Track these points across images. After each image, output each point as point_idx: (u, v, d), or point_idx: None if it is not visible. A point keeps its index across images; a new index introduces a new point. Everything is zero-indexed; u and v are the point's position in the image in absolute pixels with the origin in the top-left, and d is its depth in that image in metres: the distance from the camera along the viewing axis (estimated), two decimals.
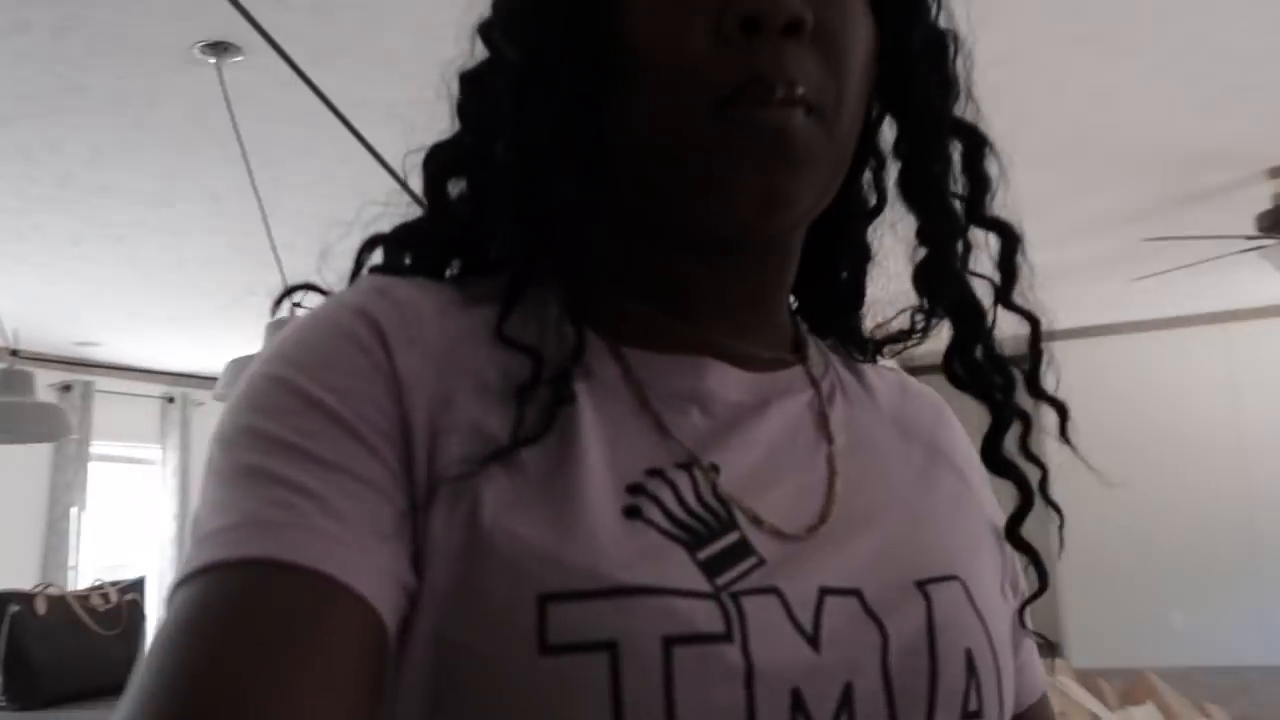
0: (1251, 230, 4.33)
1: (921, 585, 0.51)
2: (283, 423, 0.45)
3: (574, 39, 0.51)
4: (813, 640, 0.46)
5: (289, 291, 0.59)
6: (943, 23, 0.59)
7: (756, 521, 0.50)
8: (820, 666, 0.46)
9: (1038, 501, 0.60)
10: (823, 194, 0.53)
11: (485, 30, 0.57)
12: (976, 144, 0.59)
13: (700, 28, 0.48)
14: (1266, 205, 4.20)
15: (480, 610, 0.43)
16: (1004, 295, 0.59)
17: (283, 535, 0.42)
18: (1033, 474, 0.59)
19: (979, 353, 0.59)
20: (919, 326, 0.64)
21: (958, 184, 0.59)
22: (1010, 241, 0.59)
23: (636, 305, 0.55)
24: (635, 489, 0.48)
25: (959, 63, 0.59)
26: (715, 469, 0.51)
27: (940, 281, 0.60)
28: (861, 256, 0.66)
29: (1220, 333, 6.93)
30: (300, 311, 0.55)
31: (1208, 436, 6.91)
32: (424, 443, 0.47)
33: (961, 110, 0.59)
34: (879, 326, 0.67)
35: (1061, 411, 0.60)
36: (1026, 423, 0.60)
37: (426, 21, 2.42)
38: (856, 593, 0.49)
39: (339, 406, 0.46)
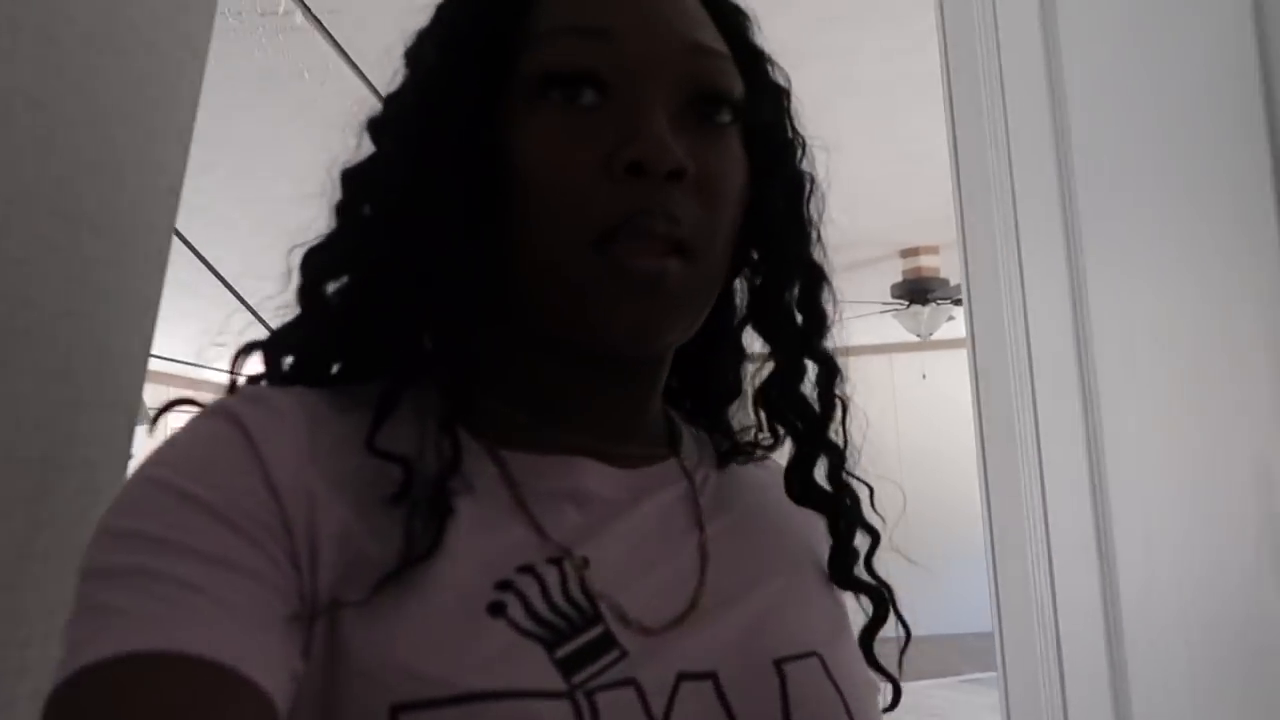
0: (888, 297, 5.53)
1: (779, 664, 0.53)
2: (159, 520, 0.44)
3: (463, 154, 0.52)
4: None
5: (171, 405, 0.57)
6: (804, 165, 0.62)
7: (622, 615, 0.50)
8: None
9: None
10: (693, 322, 0.55)
11: (374, 128, 0.57)
12: (819, 282, 0.62)
13: (588, 165, 0.50)
14: (898, 279, 5.39)
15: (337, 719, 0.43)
16: (821, 426, 0.62)
17: (169, 627, 0.40)
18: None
19: (818, 472, 0.63)
20: (764, 442, 0.65)
21: (798, 317, 0.62)
22: (832, 376, 0.62)
23: (516, 410, 0.56)
24: (504, 585, 0.48)
25: (813, 204, 0.62)
26: (585, 562, 0.51)
27: (784, 401, 0.63)
28: (737, 355, 0.68)
29: (886, 361, 8.23)
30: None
31: (876, 448, 8.01)
32: (306, 547, 0.46)
33: (811, 249, 0.62)
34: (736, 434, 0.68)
35: (873, 538, 0.63)
36: (875, 537, 0.63)
37: None
38: (712, 676, 0.50)
39: (216, 501, 0.45)
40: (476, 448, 0.54)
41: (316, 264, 0.56)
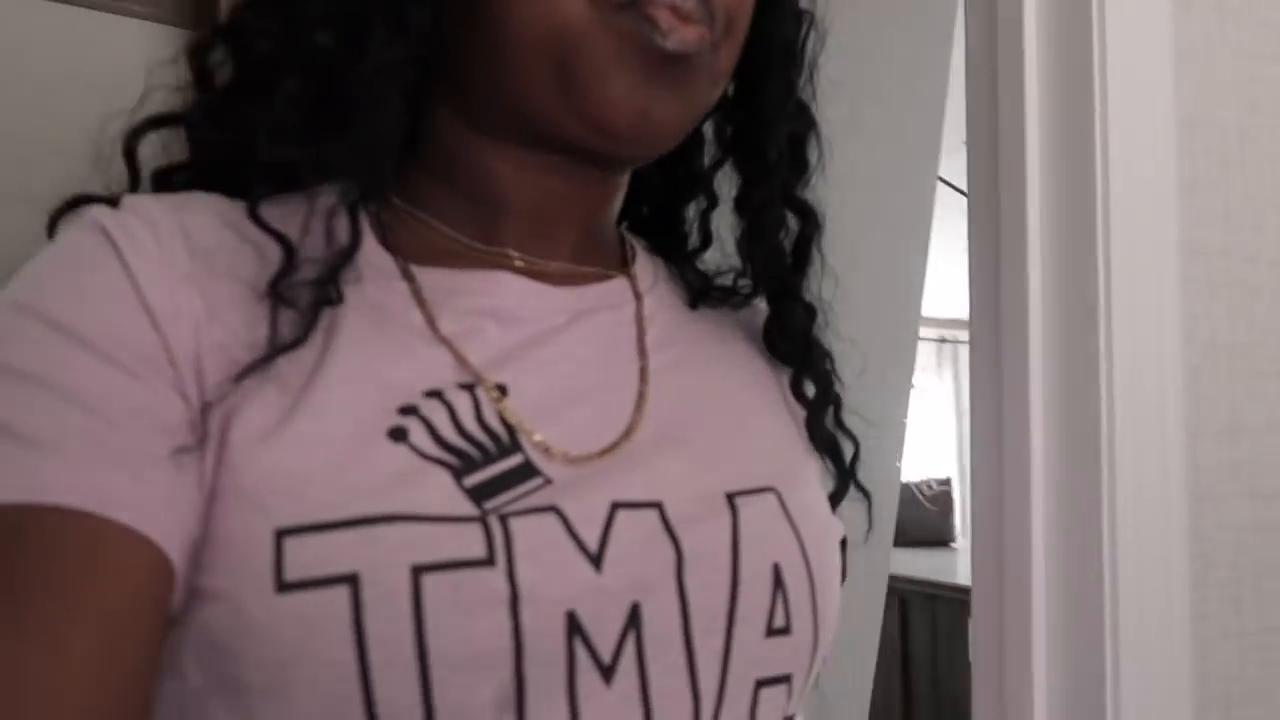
0: None
1: (731, 498, 0.49)
2: (27, 352, 0.40)
3: None
4: (595, 559, 0.43)
5: (65, 207, 0.49)
6: (804, 3, 0.60)
7: (546, 447, 0.46)
8: (601, 587, 0.43)
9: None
10: (694, 121, 0.52)
11: None
12: (805, 127, 0.60)
13: None
14: None
15: (222, 552, 0.40)
16: (797, 276, 0.60)
17: (39, 476, 0.37)
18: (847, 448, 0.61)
19: (793, 326, 0.60)
20: (743, 289, 0.62)
21: (779, 153, 0.59)
22: (811, 227, 0.60)
23: (434, 223, 0.52)
24: (407, 410, 0.44)
25: (809, 42, 0.60)
26: (502, 389, 0.47)
27: (758, 249, 0.59)
28: (710, 202, 0.65)
29: None
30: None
31: None
32: (191, 370, 0.42)
33: (802, 90, 0.60)
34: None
35: (837, 402, 0.61)
36: (837, 401, 0.61)
37: None
38: (657, 505, 0.47)
39: (88, 329, 0.41)
40: (386, 261, 0.49)
41: (245, 18, 0.50)
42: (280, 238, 0.45)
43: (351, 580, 0.39)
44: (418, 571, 0.39)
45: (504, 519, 0.42)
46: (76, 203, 0.48)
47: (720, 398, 0.55)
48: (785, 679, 0.49)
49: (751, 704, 0.47)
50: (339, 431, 0.42)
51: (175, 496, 0.40)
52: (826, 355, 0.61)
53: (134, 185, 0.50)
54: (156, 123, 0.50)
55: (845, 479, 0.60)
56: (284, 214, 0.46)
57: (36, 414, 0.38)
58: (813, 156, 0.60)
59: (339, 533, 0.39)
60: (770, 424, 0.57)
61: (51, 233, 0.49)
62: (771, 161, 0.58)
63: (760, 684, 0.47)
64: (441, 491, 0.42)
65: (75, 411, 0.39)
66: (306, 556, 0.39)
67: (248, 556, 0.39)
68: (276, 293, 0.44)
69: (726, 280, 0.62)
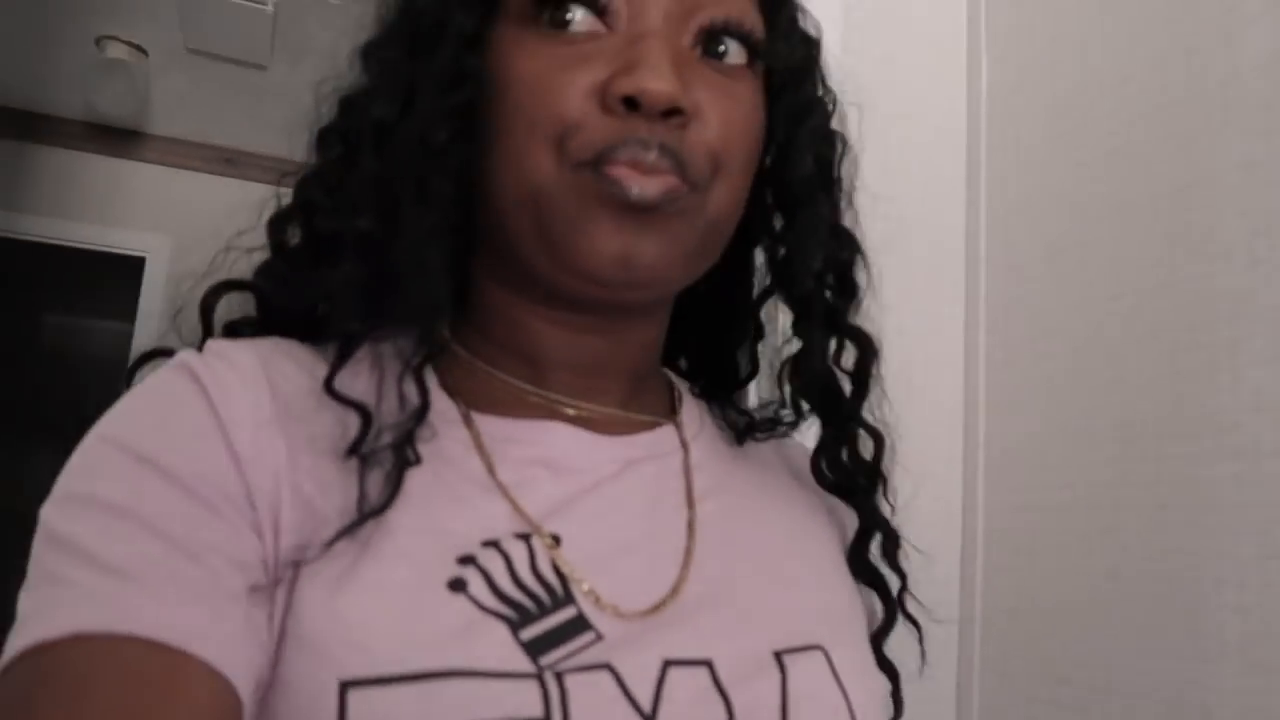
0: None
1: (779, 656, 0.49)
2: (116, 486, 0.41)
3: (450, 83, 0.50)
4: (649, 718, 0.43)
5: (143, 359, 0.52)
6: (835, 125, 0.60)
7: (597, 598, 0.46)
8: None
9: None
10: (691, 266, 0.52)
11: (365, 54, 0.54)
12: (851, 251, 0.59)
13: (583, 92, 0.48)
14: None
15: (287, 699, 0.40)
16: (855, 404, 0.59)
17: (119, 606, 0.38)
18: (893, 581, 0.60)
19: (844, 454, 0.60)
20: (786, 419, 0.62)
21: (822, 283, 0.59)
22: (868, 353, 0.59)
23: (490, 370, 0.54)
24: (466, 560, 0.45)
25: (844, 166, 0.60)
26: (556, 540, 0.48)
27: (809, 377, 0.59)
28: (755, 333, 0.65)
29: None
30: None
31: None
32: (269, 513, 0.43)
33: (841, 215, 0.60)
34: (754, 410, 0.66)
35: (892, 539, 0.61)
36: (886, 531, 0.60)
37: None
38: (707, 664, 0.47)
39: (174, 465, 0.42)
40: (449, 408, 0.51)
41: (304, 195, 0.53)
42: (358, 407, 0.46)
43: None
44: None
45: (559, 676, 0.42)
46: (152, 355, 0.51)
47: (768, 549, 0.56)
48: None
49: None
50: (402, 582, 0.43)
51: (248, 633, 0.41)
52: (875, 481, 0.60)
53: (205, 339, 0.52)
54: (232, 286, 0.53)
55: (892, 612, 0.60)
56: (353, 373, 0.48)
57: (121, 544, 0.40)
58: (861, 280, 0.60)
59: (402, 687, 0.40)
60: (818, 574, 0.57)
61: (129, 382, 0.50)
62: (808, 288, 0.58)
63: None
64: (500, 646, 0.42)
65: (158, 544, 0.40)
66: (370, 710, 0.39)
67: (312, 705, 0.40)
68: (360, 456, 0.45)
69: (769, 412, 0.63)
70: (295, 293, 0.52)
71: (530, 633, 0.44)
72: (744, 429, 0.62)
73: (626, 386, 0.57)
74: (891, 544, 0.60)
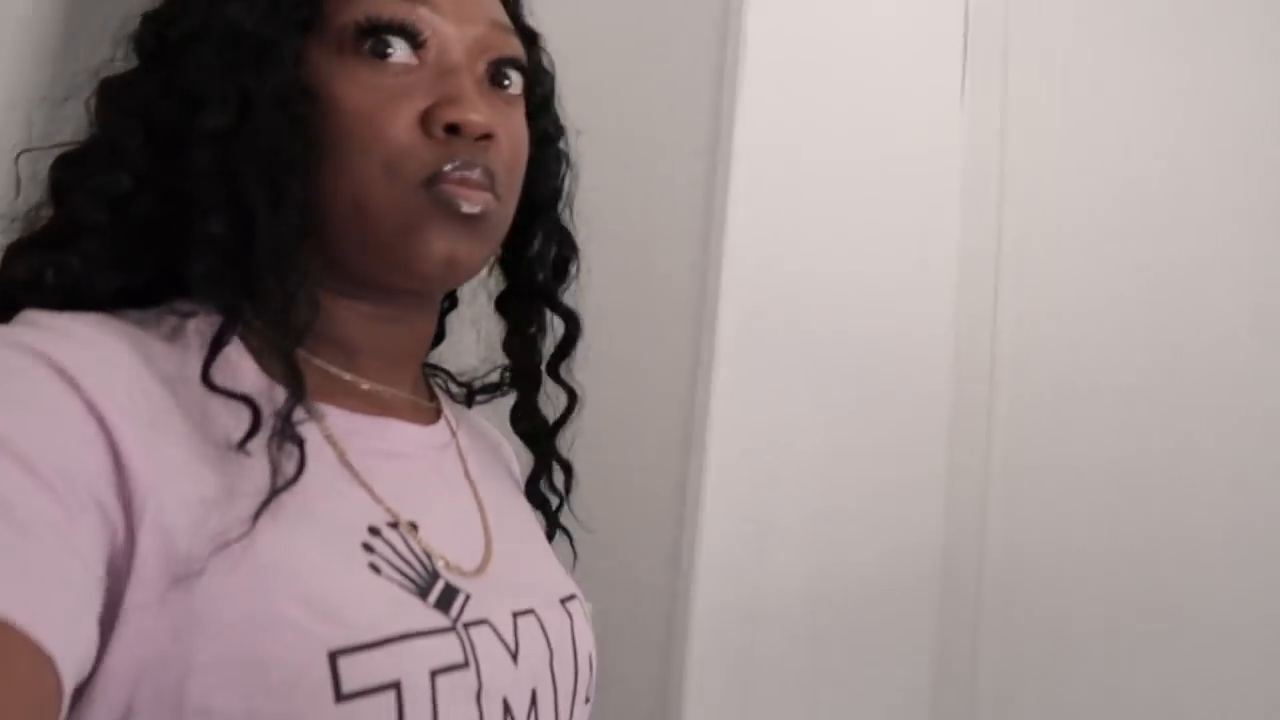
0: None
1: (564, 603, 0.64)
2: None
3: (279, 95, 0.53)
4: (514, 657, 0.56)
5: None
6: (563, 147, 0.73)
7: (449, 567, 0.56)
8: (519, 678, 0.56)
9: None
10: (488, 259, 0.64)
11: (153, 40, 0.56)
12: (568, 243, 0.73)
13: (408, 121, 0.55)
14: None
15: (270, 674, 0.44)
16: (553, 367, 0.73)
17: None
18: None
19: (530, 411, 0.74)
20: (505, 383, 0.75)
21: (546, 272, 0.72)
22: (573, 329, 0.74)
23: (309, 357, 0.57)
24: (367, 548, 0.52)
25: (568, 179, 0.73)
26: (414, 526, 0.56)
27: (523, 349, 0.73)
28: (450, 303, 0.77)
29: None
30: None
31: None
32: (144, 503, 0.44)
33: (561, 211, 0.73)
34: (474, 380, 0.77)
35: (567, 470, 0.76)
36: (565, 464, 0.76)
37: None
38: (532, 611, 0.59)
39: (17, 443, 0.42)
40: (282, 392, 0.54)
41: (96, 174, 0.53)
42: (247, 401, 0.49)
43: (395, 687, 0.48)
44: (434, 674, 0.50)
45: (466, 628, 0.53)
46: None
47: (522, 517, 0.71)
48: None
49: None
50: (341, 569, 0.50)
51: (78, 620, 0.41)
52: (553, 432, 0.75)
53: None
54: (37, 249, 0.53)
55: (554, 527, 0.76)
56: (218, 370, 0.50)
57: None
58: (573, 270, 0.73)
59: (378, 650, 0.48)
60: (540, 534, 0.73)
61: None
62: (537, 275, 0.72)
63: None
64: (424, 612, 0.52)
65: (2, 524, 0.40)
66: (357, 672, 0.46)
67: (303, 675, 0.45)
68: (248, 442, 0.49)
69: (488, 379, 0.76)
70: (117, 274, 0.53)
71: (430, 599, 0.53)
72: (468, 396, 0.76)
73: (416, 371, 0.66)
74: (568, 475, 0.76)
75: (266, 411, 0.50)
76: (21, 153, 0.55)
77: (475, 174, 0.56)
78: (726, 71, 1.09)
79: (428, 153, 0.55)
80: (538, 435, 0.74)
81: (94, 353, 0.47)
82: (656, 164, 1.12)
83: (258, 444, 0.49)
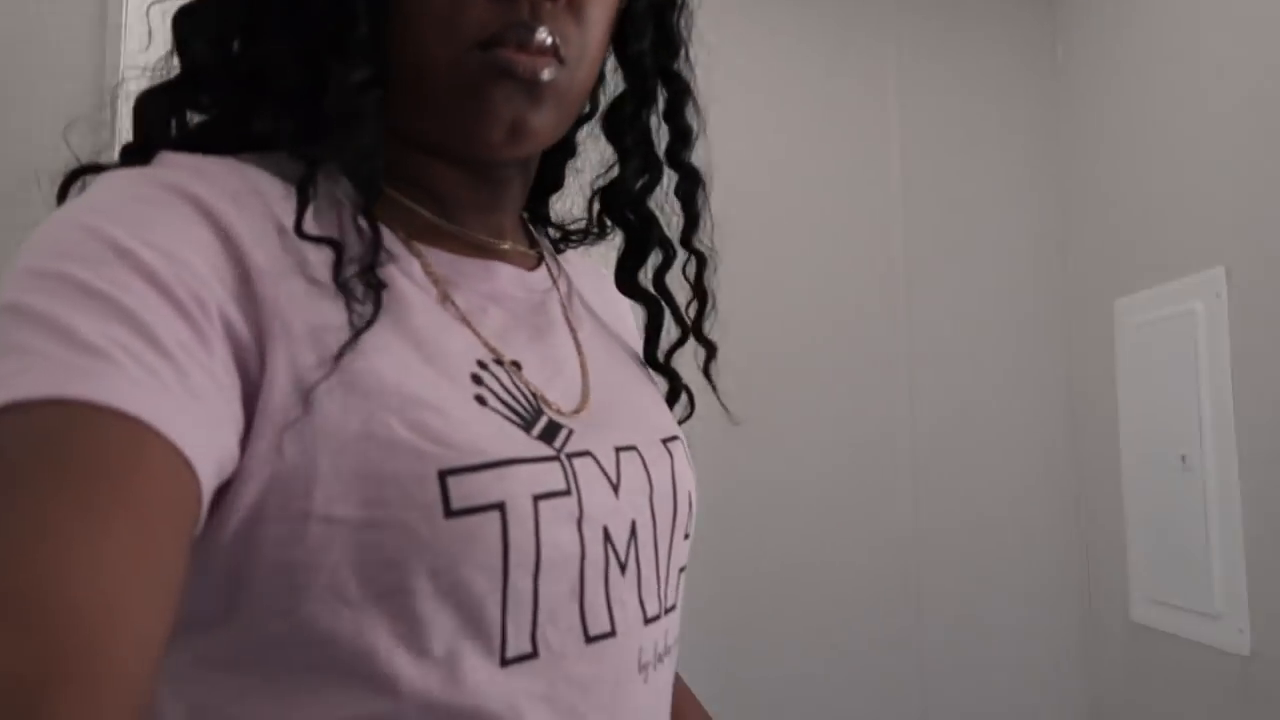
0: None
1: (665, 443, 0.65)
2: (94, 271, 0.43)
3: None
4: (615, 488, 0.58)
5: (77, 173, 0.55)
6: None
7: (550, 405, 0.58)
8: (619, 508, 0.57)
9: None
10: (561, 126, 0.60)
11: None
12: (680, 94, 0.69)
13: None
14: None
15: (386, 488, 0.48)
16: (686, 233, 0.71)
17: (93, 377, 0.39)
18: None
19: (643, 270, 0.72)
20: (594, 231, 0.74)
21: (660, 126, 0.69)
22: (693, 184, 0.70)
23: (411, 205, 0.59)
24: (475, 379, 0.54)
25: (681, 21, 0.68)
26: (517, 365, 0.58)
27: (621, 200, 0.70)
28: (568, 152, 0.74)
29: None
30: None
31: None
32: (272, 326, 0.47)
33: (675, 63, 0.69)
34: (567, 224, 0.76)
35: (710, 350, 0.74)
36: (686, 328, 0.73)
37: None
38: (634, 448, 0.61)
39: (160, 267, 0.44)
40: (392, 236, 0.56)
41: (204, 19, 0.55)
42: (331, 242, 0.52)
43: (500, 507, 0.50)
44: (536, 499, 0.52)
45: (569, 458, 0.55)
46: (86, 170, 0.55)
47: (625, 359, 0.71)
48: (685, 567, 0.67)
49: (677, 585, 0.65)
50: (450, 399, 0.52)
51: (211, 425, 0.44)
52: (668, 296, 0.73)
53: (138, 144, 0.55)
54: (172, 93, 0.57)
55: (681, 394, 0.77)
56: (314, 214, 0.52)
57: (96, 322, 0.41)
58: (693, 121, 0.70)
59: (485, 472, 0.50)
60: (645, 375, 0.73)
61: (62, 197, 0.54)
62: (645, 126, 0.69)
63: (680, 570, 0.66)
64: (528, 441, 0.54)
65: (130, 330, 0.42)
66: (464, 490, 0.49)
67: (416, 491, 0.48)
68: (339, 283, 0.51)
69: (577, 225, 0.75)
70: (238, 122, 0.56)
71: (535, 432, 0.55)
72: (559, 239, 0.75)
73: (512, 223, 0.67)
74: (684, 341, 0.73)
75: (354, 253, 0.52)
76: (151, 4, 0.58)
77: (537, 38, 0.54)
78: None
79: (486, 11, 0.54)
80: (646, 295, 0.73)
81: (223, 188, 0.50)
82: None
83: (353, 282, 0.51)
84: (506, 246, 0.64)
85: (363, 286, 0.51)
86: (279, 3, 0.55)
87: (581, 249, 0.75)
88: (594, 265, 0.78)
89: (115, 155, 0.55)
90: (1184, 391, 1.95)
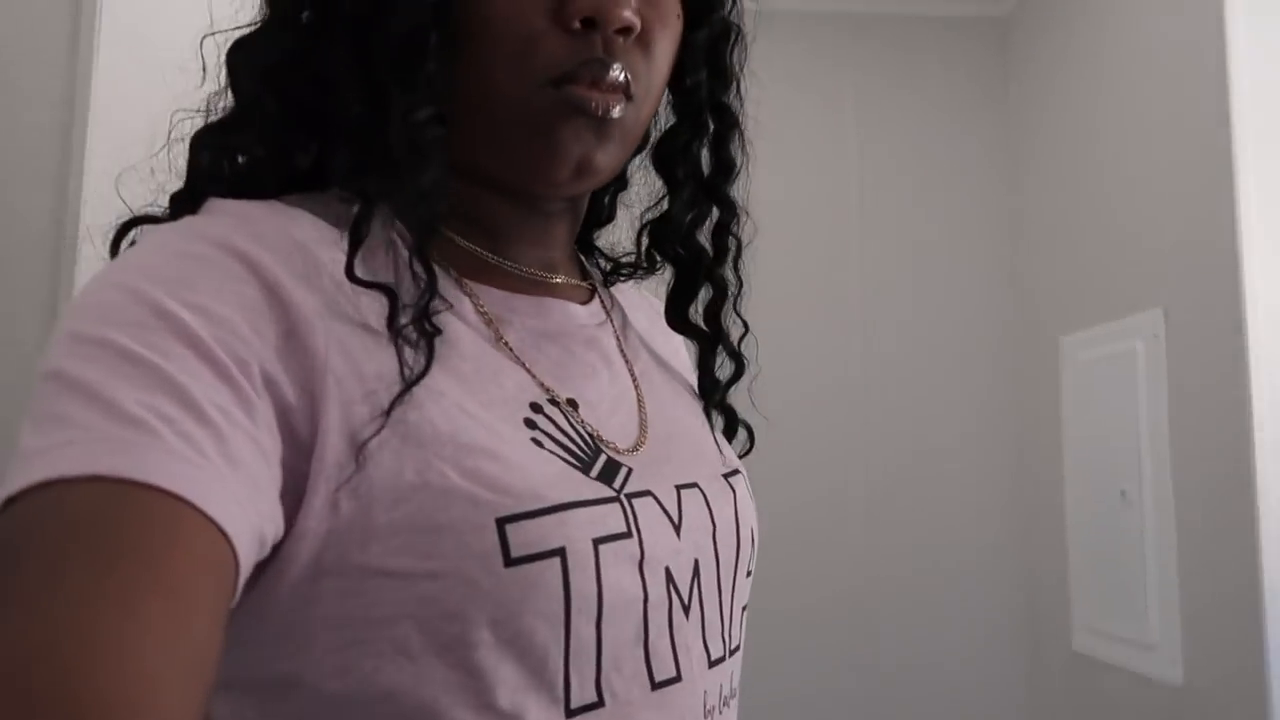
0: None
1: (727, 478, 0.64)
2: (135, 337, 0.42)
3: None
4: (677, 529, 0.56)
5: (129, 225, 0.55)
6: (734, 16, 0.67)
7: (607, 444, 0.57)
8: (680, 549, 0.56)
9: None
10: (623, 162, 0.61)
11: None
12: (729, 128, 0.67)
13: (544, 13, 0.53)
14: None
15: (444, 539, 0.47)
16: (716, 263, 0.69)
17: (131, 452, 0.39)
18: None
19: (693, 305, 0.70)
20: (644, 265, 0.71)
21: (707, 159, 0.67)
22: (731, 217, 0.69)
23: (462, 241, 0.59)
24: (529, 423, 0.53)
25: (735, 54, 0.67)
26: (573, 404, 0.57)
27: (671, 234, 0.68)
28: (620, 184, 0.73)
29: None
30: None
31: None
32: (324, 381, 0.47)
33: (727, 96, 0.67)
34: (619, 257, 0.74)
35: (740, 368, 0.71)
36: (741, 368, 0.72)
37: None
38: (695, 485, 0.60)
39: (201, 329, 0.44)
40: (442, 275, 0.55)
41: (262, 60, 0.55)
42: (384, 289, 0.50)
43: (560, 553, 0.49)
44: (596, 542, 0.51)
45: (629, 499, 0.54)
46: (136, 222, 0.55)
47: (680, 393, 0.69)
48: (746, 606, 0.65)
49: (740, 625, 0.63)
50: (506, 443, 0.51)
51: (251, 497, 0.43)
52: (720, 332, 0.70)
53: (190, 191, 0.55)
54: (223, 132, 0.56)
55: (741, 431, 0.74)
56: (367, 257, 0.52)
57: (136, 392, 0.41)
58: (738, 155, 0.68)
59: (544, 518, 0.49)
60: (699, 410, 0.70)
61: (115, 252, 0.54)
62: (695, 159, 0.67)
63: (743, 610, 0.64)
64: (586, 483, 0.53)
65: (171, 399, 0.41)
66: (524, 536, 0.48)
67: (474, 539, 0.48)
68: (395, 331, 0.50)
69: (627, 259, 0.73)
70: (286, 159, 0.56)
71: (593, 473, 0.54)
72: (609, 272, 0.73)
73: (567, 255, 0.66)
74: (736, 381, 0.72)
75: (408, 299, 0.51)
76: (205, 37, 0.57)
77: (610, 74, 0.54)
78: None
79: (560, 47, 0.53)
80: (698, 332, 0.70)
81: (271, 237, 0.49)
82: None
83: (408, 330, 0.50)
84: (559, 280, 0.63)
85: (416, 335, 0.50)
86: (343, 33, 0.54)
87: (633, 282, 0.74)
88: (647, 297, 0.76)
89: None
90: (1124, 428, 2.01)
